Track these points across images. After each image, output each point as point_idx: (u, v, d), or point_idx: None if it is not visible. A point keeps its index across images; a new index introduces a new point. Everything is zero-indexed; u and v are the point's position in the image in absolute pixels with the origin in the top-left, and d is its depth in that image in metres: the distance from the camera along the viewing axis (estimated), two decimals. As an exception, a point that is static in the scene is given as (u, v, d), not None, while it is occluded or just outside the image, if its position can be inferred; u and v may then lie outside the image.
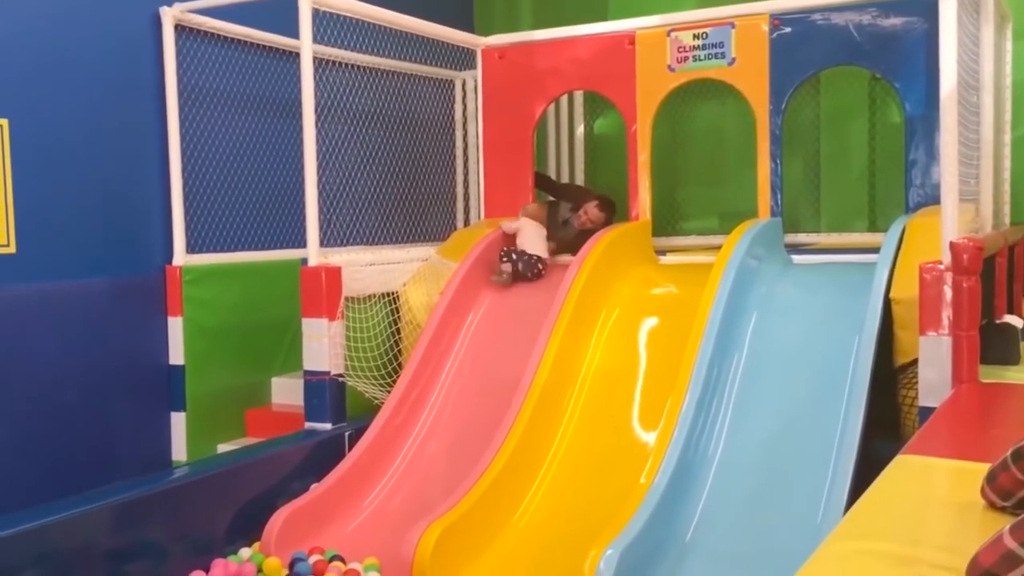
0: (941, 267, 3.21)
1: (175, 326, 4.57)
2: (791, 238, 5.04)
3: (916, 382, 3.34)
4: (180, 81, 4.61)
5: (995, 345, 3.37)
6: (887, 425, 3.55)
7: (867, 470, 2.16)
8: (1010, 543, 1.47)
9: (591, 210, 4.90)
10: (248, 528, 3.66)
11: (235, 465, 3.83)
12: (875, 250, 3.95)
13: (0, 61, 3.94)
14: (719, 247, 4.20)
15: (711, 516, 3.38)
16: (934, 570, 1.56)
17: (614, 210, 5.02)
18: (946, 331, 3.18)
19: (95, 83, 4.32)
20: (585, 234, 4.72)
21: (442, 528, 3.30)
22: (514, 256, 4.72)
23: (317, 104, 4.41)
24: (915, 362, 3.35)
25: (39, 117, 4.08)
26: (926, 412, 3.11)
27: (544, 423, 3.88)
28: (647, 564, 3.11)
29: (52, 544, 3.05)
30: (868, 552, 1.64)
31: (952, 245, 3.12)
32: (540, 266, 4.73)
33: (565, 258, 4.84)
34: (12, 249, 3.98)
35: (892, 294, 3.62)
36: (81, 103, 4.26)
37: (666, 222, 5.78)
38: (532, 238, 4.80)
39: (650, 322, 4.33)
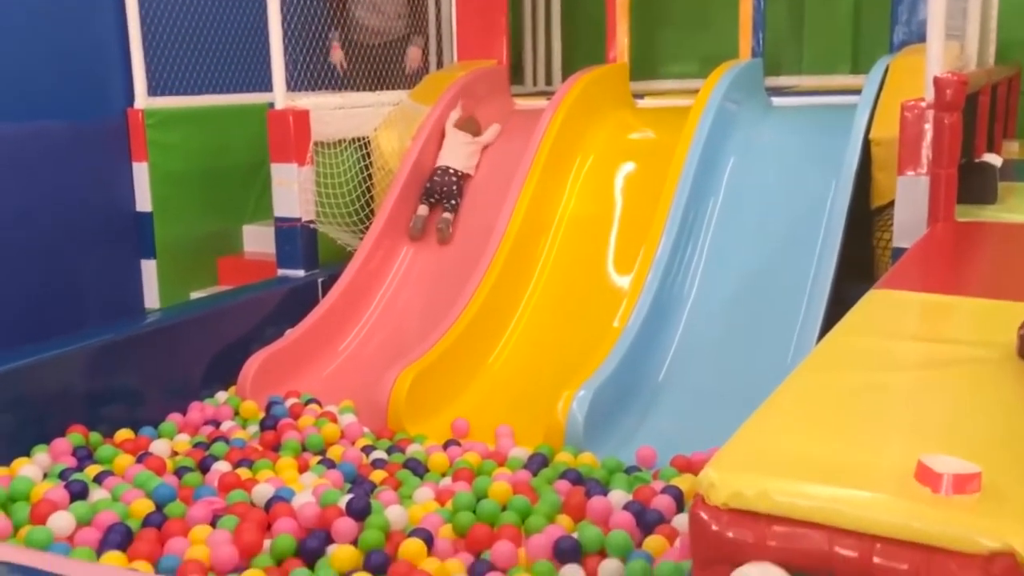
0: (923, 104, 3.15)
1: (140, 172, 4.43)
2: (772, 81, 4.92)
3: (891, 224, 3.32)
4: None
5: (973, 184, 3.33)
6: (862, 269, 3.56)
7: (839, 312, 2.16)
8: None
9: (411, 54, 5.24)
10: (224, 373, 3.66)
11: (209, 310, 3.82)
12: (858, 92, 3.87)
13: None
14: (698, 90, 4.09)
15: (683, 358, 3.43)
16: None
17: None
18: (924, 171, 3.15)
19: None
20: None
21: (417, 371, 3.32)
22: (435, 195, 4.31)
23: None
24: (891, 204, 3.33)
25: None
26: (899, 253, 3.11)
27: (518, 268, 3.87)
28: (619, 404, 3.16)
29: (27, 387, 3.04)
30: (835, 381, 1.65)
31: (935, 80, 3.06)
32: (456, 188, 4.31)
33: (540, 103, 4.72)
34: (-38, 90, 3.82)
35: (872, 135, 3.57)
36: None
37: (645, 65, 5.62)
38: (453, 148, 4.39)
39: (626, 167, 4.26)
